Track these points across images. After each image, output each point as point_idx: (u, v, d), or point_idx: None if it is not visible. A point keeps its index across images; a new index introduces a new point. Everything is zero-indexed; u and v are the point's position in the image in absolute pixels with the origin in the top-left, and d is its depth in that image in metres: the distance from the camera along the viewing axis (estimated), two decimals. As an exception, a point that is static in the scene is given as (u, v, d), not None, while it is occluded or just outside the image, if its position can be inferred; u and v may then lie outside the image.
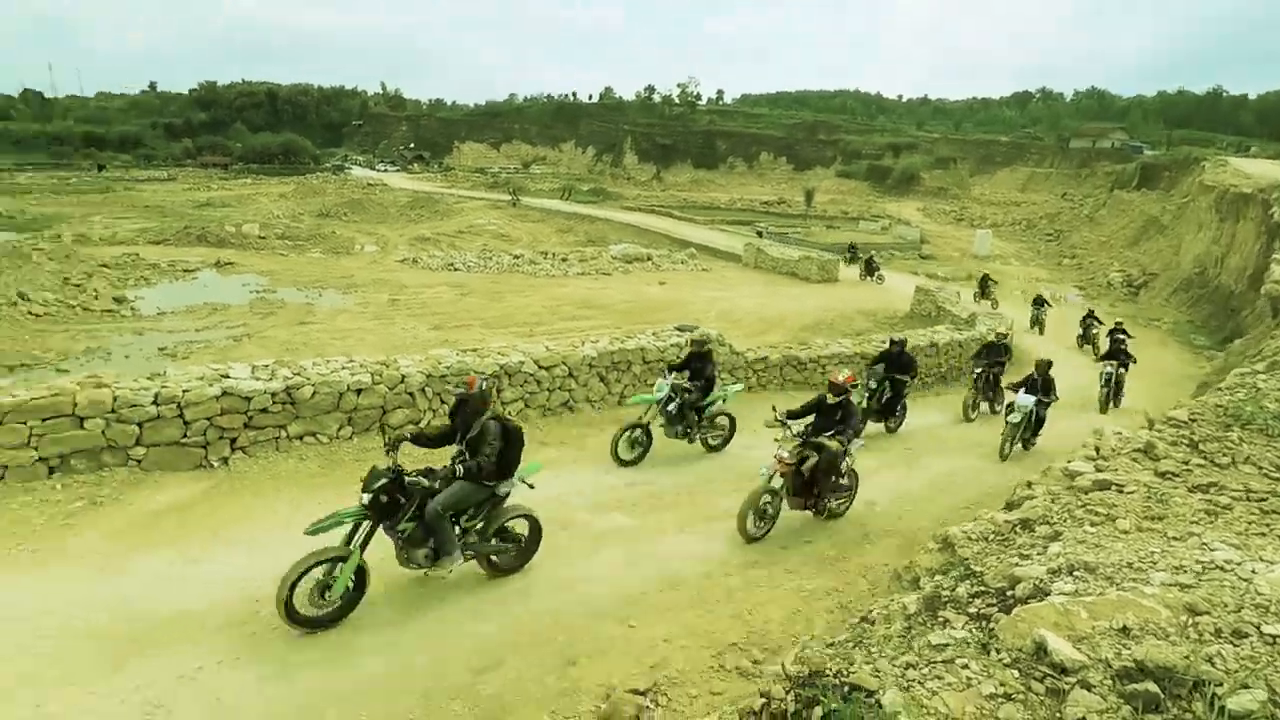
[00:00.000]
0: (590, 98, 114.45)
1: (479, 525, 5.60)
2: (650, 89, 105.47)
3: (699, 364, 9.23)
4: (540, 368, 9.92)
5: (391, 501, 5.11)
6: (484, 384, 5.59)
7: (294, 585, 4.78)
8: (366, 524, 5.08)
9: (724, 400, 9.48)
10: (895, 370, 11.26)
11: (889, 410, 11.34)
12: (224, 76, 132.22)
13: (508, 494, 5.73)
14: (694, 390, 8.97)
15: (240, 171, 78.29)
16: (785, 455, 6.88)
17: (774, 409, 7.44)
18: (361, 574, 5.04)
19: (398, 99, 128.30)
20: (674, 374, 9.06)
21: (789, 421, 7.34)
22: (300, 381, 7.89)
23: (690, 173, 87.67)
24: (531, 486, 5.84)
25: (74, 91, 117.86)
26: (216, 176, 72.43)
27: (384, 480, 5.03)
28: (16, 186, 59.28)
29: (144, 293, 27.99)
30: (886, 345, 12.03)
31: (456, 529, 5.43)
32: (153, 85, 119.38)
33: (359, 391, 8.25)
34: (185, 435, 7.18)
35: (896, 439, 11.24)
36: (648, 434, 8.88)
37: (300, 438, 7.90)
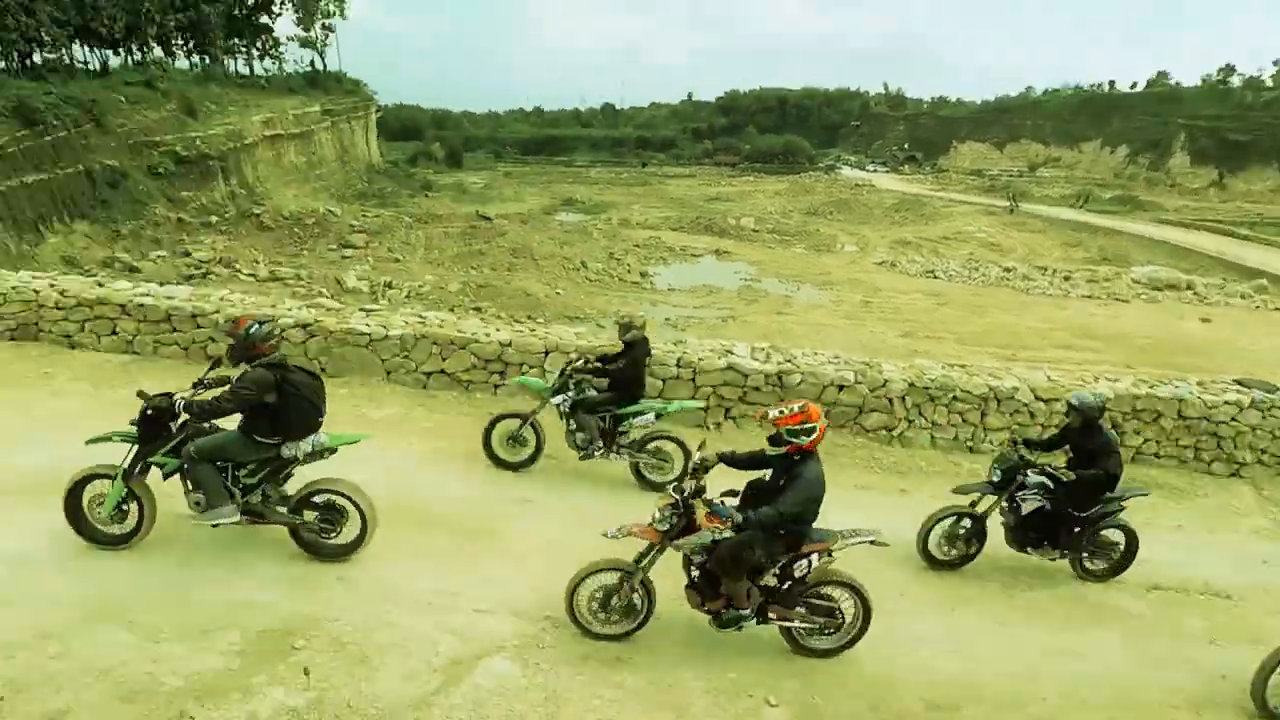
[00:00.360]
0: (1133, 86, 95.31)
1: (255, 486, 4.99)
2: (1227, 70, 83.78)
3: (623, 359, 6.92)
4: (1037, 399, 8.70)
5: (158, 428, 4.86)
6: (254, 327, 4.88)
7: (76, 492, 4.87)
8: (135, 447, 4.88)
9: (658, 416, 6.93)
10: (1082, 457, 6.09)
11: (1049, 532, 6.14)
12: (746, 85, 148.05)
13: (293, 457, 5.01)
14: (600, 391, 6.80)
15: (744, 170, 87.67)
16: (656, 516, 4.51)
17: (700, 446, 4.94)
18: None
19: (898, 99, 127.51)
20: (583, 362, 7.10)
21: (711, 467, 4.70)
22: (790, 368, 8.39)
23: (1275, 178, 67.38)
24: (329, 454, 5.11)
25: (636, 103, 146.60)
26: (725, 174, 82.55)
27: (156, 401, 4.84)
28: (588, 179, 76.61)
29: (660, 270, 33.49)
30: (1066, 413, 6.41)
31: (249, 487, 4.99)
32: (689, 95, 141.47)
33: (841, 388, 8.41)
34: (693, 396, 8.30)
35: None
36: (535, 430, 6.98)
37: (781, 421, 8.47)
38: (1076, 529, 6.06)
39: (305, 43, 57.19)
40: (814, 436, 4.44)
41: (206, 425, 5.02)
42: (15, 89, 30.06)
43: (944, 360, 10.68)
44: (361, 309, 9.32)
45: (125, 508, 4.96)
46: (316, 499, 5.11)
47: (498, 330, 8.86)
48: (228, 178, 40.03)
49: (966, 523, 6.14)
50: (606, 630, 4.79)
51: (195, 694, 3.92)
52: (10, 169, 28.62)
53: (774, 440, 4.55)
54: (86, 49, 42.39)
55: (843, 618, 4.76)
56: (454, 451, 7.29)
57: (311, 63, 58.85)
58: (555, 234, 37.17)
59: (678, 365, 8.28)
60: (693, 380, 8.31)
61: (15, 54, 36.22)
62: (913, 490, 7.65)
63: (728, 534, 4.44)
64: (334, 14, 57.77)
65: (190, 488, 4.93)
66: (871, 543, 4.67)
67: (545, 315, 24.28)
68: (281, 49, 56.64)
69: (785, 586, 4.66)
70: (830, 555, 4.65)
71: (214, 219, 35.67)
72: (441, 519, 6.02)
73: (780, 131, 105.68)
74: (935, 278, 31.54)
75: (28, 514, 5.24)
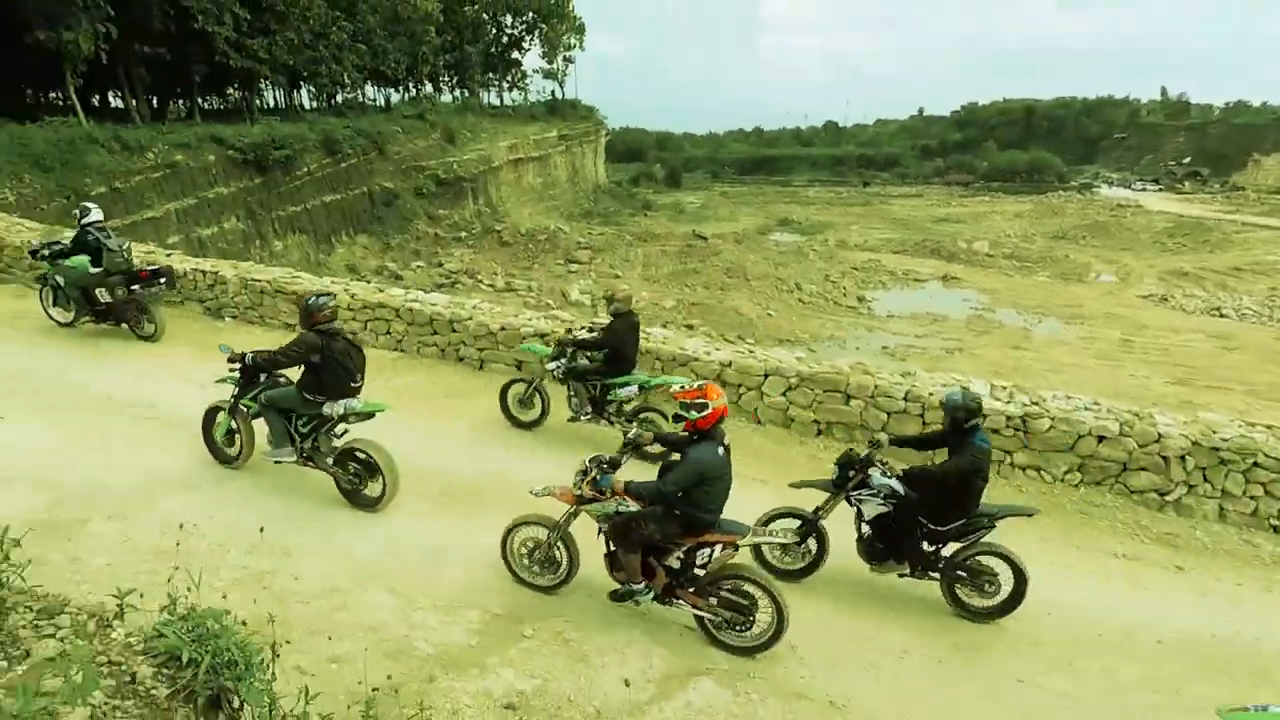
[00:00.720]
0: None
1: (307, 435, 5.92)
2: None
3: (605, 332, 7.42)
4: (1376, 473, 6.97)
5: (251, 378, 6.06)
6: (312, 300, 5.77)
7: (209, 418, 6.32)
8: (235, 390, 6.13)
9: (641, 389, 7.37)
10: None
11: (897, 544, 5.44)
12: (986, 96, 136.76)
13: (334, 416, 5.81)
14: (592, 361, 7.48)
15: (979, 189, 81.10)
16: (576, 483, 4.73)
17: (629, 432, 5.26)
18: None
19: (1179, 105, 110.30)
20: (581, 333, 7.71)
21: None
22: (1038, 412, 7.51)
23: None
24: (369, 416, 5.93)
25: (860, 120, 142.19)
26: (957, 194, 76.97)
27: (236, 355, 5.99)
28: (805, 199, 75.38)
29: (879, 295, 31.97)
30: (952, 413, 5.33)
31: (304, 435, 5.94)
32: (920, 110, 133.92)
33: (1101, 439, 7.35)
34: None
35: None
36: (540, 394, 7.72)
37: (1024, 469, 7.57)
38: (932, 546, 5.31)
39: (548, 74, 62.60)
40: (705, 414, 4.47)
41: (282, 380, 6.17)
42: (323, 125, 36.16)
43: (1230, 414, 8.99)
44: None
45: (233, 436, 6.35)
46: (356, 455, 5.87)
47: (717, 349, 8.93)
48: (476, 198, 44.92)
49: (796, 524, 5.48)
50: (534, 580, 5.14)
51: (442, 662, 4.35)
52: (315, 190, 34.48)
53: (676, 417, 4.85)
54: (375, 88, 49.97)
55: (753, 617, 4.68)
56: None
57: (552, 92, 64.33)
58: (769, 254, 37.00)
59: (905, 399, 7.77)
60: (921, 416, 7.75)
61: (325, 95, 43.69)
62: (1191, 568, 6.46)
63: (633, 507, 4.62)
64: (574, 46, 62.59)
65: (267, 429, 6.08)
66: (781, 545, 5.06)
67: (756, 336, 24.22)
68: (527, 81, 62.61)
69: (691, 573, 4.68)
70: (736, 549, 4.67)
71: (463, 234, 40.14)
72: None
73: (1025, 146, 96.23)
74: (1222, 316, 26.83)
75: (299, 477, 6.19)
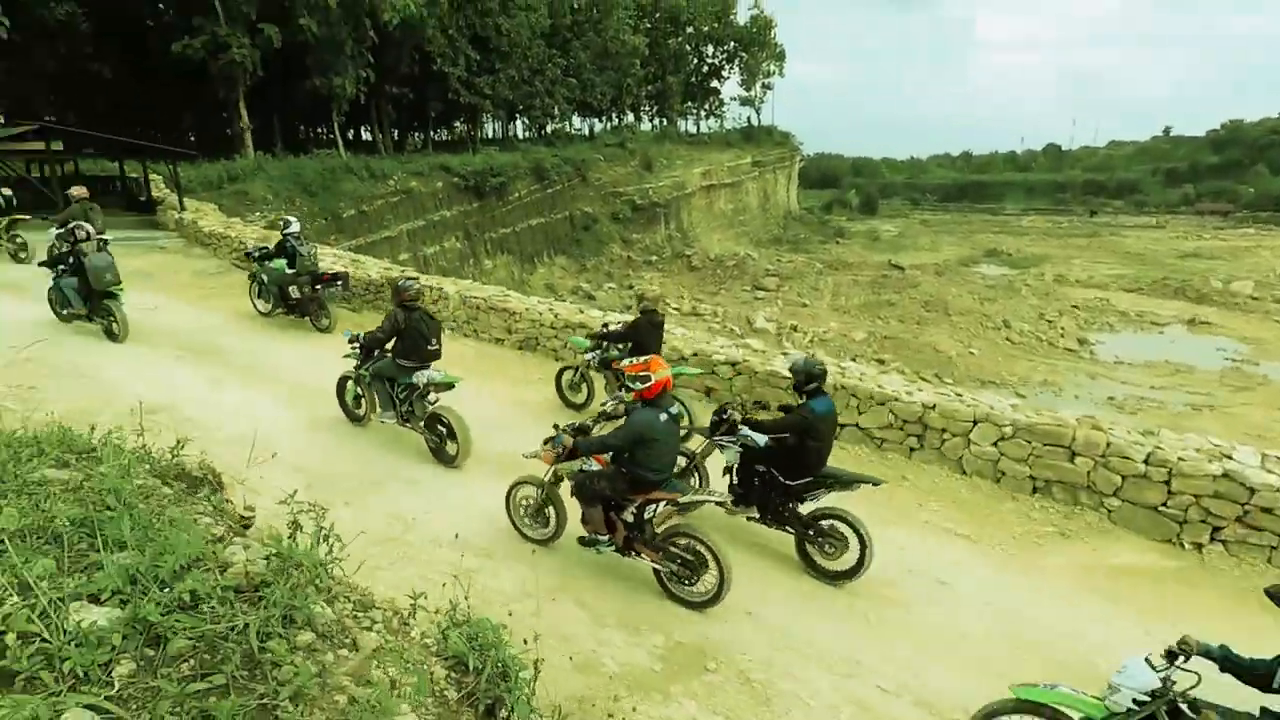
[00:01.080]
0: None
1: (404, 401, 7.12)
2: None
3: (629, 326, 8.27)
4: None
5: (367, 354, 7.29)
6: (400, 283, 7.14)
7: (341, 385, 7.78)
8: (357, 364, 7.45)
9: None
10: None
11: (749, 491, 6.09)
12: (1254, 113, 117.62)
13: (419, 384, 6.97)
14: (620, 352, 8.11)
15: (1241, 220, 69.82)
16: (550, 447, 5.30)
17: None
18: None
19: None
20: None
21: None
22: (1329, 491, 6.19)
23: None
24: (449, 386, 7.04)
25: (1089, 142, 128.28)
26: (1211, 225, 66.79)
27: (359, 337, 7.33)
28: (1017, 228, 69.24)
29: (1104, 338, 28.47)
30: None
31: (401, 400, 7.17)
32: (1166, 130, 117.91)
33: None
34: (1164, 503, 6.67)
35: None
36: (586, 380, 8.81)
37: (1310, 561, 6.28)
38: (781, 500, 5.77)
39: (745, 101, 63.22)
40: (648, 385, 5.03)
41: (387, 356, 7.26)
42: (534, 154, 39.17)
43: None
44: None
45: (359, 400, 7.69)
46: (441, 420, 6.92)
47: (920, 390, 8.36)
48: (668, 223, 46.28)
49: (682, 461, 6.14)
50: (530, 533, 5.84)
51: (626, 683, 4.39)
52: (524, 214, 37.34)
53: (624, 388, 5.34)
54: (580, 118, 53.35)
55: (698, 573, 5.09)
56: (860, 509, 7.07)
57: (749, 119, 64.81)
58: (974, 288, 34.34)
59: (1146, 463, 6.74)
60: (1166, 484, 6.68)
61: (537, 126, 47.36)
62: None
63: (595, 467, 5.33)
64: (773, 73, 62.67)
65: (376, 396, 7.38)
66: (717, 503, 5.51)
67: (955, 375, 22.52)
68: (724, 108, 63.61)
69: (644, 528, 5.17)
70: (678, 506, 5.14)
71: (653, 258, 41.44)
72: (867, 584, 5.81)
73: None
74: None
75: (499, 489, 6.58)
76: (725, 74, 61.32)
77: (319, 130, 41.45)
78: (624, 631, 4.86)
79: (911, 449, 8.05)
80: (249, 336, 10.90)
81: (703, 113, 63.45)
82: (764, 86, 62.85)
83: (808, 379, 5.71)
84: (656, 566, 5.18)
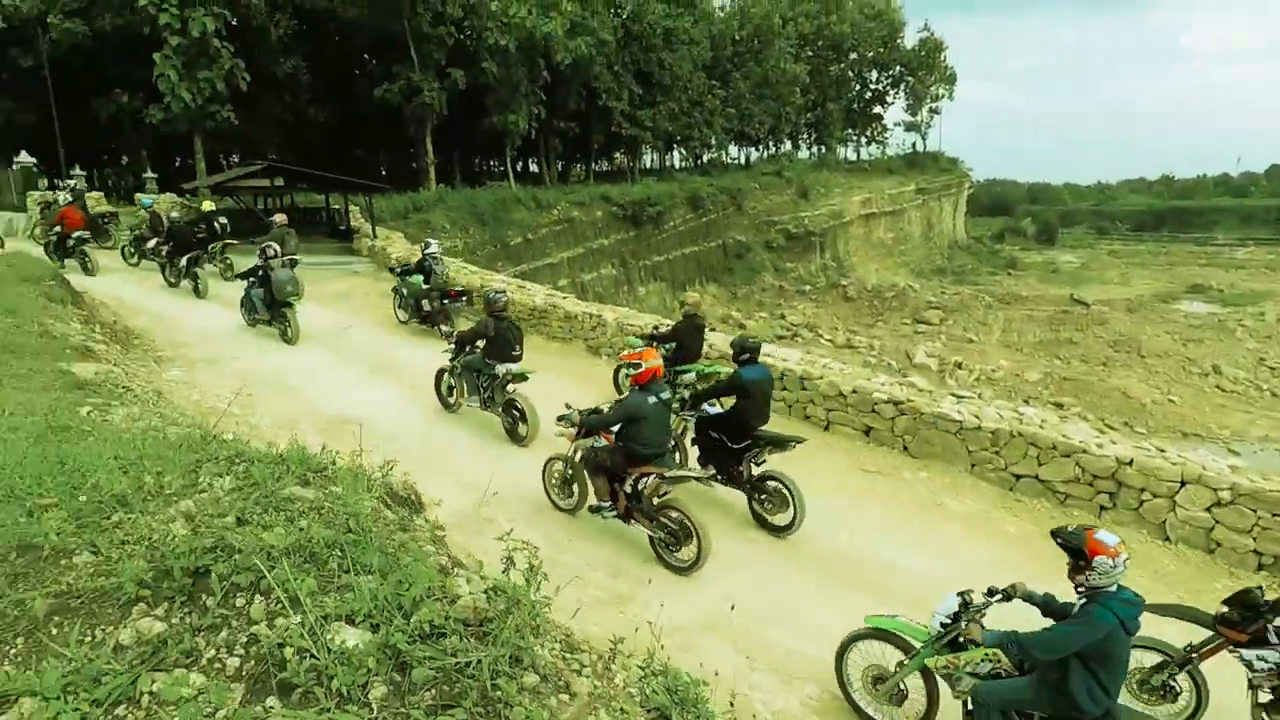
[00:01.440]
0: None
1: (487, 389, 8.32)
2: None
3: (681, 332, 9.25)
4: None
5: (461, 349, 8.54)
6: (491, 295, 8.54)
7: (439, 376, 9.02)
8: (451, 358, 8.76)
9: (698, 376, 8.98)
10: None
11: (707, 452, 7.20)
12: None
13: (500, 375, 8.19)
14: (667, 352, 8.91)
15: None
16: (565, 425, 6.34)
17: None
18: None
19: None
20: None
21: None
22: None
23: None
24: (524, 378, 8.27)
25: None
26: None
27: (455, 335, 8.82)
28: (1229, 261, 61.08)
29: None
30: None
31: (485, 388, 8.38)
32: None
33: None
34: None
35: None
36: None
37: None
38: (731, 461, 6.68)
39: (910, 126, 60.67)
40: (639, 372, 5.85)
41: (476, 351, 8.41)
42: (691, 184, 39.81)
43: None
44: (953, 394, 9.12)
45: (452, 390, 8.91)
46: (515, 405, 8.11)
47: (1112, 443, 7.54)
48: (823, 251, 45.19)
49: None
50: (559, 503, 6.69)
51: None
52: (678, 242, 37.97)
53: (624, 375, 6.26)
54: (737, 147, 53.62)
55: (682, 544, 5.80)
56: (1014, 559, 6.46)
57: (913, 145, 62.14)
58: (1175, 327, 30.64)
59: None
60: None
61: (694, 156, 48.16)
62: None
63: (605, 444, 6.05)
64: (942, 96, 59.80)
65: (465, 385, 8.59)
66: (697, 479, 6.24)
67: (1148, 425, 20.14)
68: (887, 134, 61.40)
69: (640, 498, 5.86)
70: (664, 479, 5.81)
71: (807, 288, 40.59)
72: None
73: None
74: None
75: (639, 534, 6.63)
76: (890, 99, 59.32)
77: (492, 163, 44.66)
78: (775, 676, 4.75)
79: (1102, 507, 7.27)
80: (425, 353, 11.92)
81: (864, 139, 61.66)
82: (931, 111, 60.14)
83: (741, 350, 6.94)
84: (650, 534, 5.95)
